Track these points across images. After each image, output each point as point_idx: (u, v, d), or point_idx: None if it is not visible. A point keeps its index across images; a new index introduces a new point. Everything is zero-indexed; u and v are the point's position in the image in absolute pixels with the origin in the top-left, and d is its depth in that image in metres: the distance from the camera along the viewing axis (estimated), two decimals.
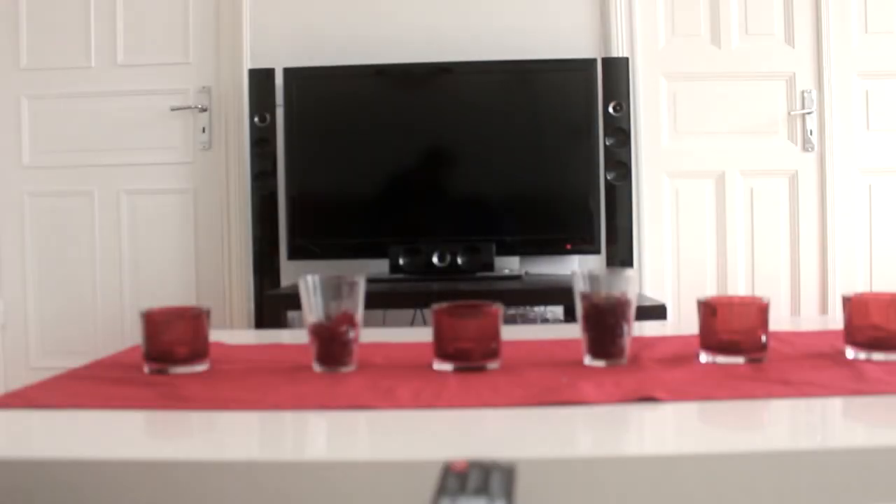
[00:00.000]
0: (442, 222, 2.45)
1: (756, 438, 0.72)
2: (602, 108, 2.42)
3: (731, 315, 0.96)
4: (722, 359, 0.93)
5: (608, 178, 2.44)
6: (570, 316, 2.44)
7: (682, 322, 2.39)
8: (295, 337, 1.25)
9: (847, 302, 0.95)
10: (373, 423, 0.75)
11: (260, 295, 2.44)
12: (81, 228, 2.71)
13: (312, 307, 0.94)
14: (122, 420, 0.78)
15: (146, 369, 0.95)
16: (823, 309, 2.62)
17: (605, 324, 0.93)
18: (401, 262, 2.36)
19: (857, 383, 0.82)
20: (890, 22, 2.63)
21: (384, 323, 2.46)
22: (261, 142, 2.45)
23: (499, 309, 0.94)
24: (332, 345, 0.93)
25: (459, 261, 2.36)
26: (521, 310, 2.49)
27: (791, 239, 2.65)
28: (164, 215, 2.70)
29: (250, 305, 2.61)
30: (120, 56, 2.70)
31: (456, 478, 0.52)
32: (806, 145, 2.64)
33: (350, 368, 0.94)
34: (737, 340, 0.93)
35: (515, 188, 2.44)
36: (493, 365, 0.93)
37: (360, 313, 0.95)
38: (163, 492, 0.62)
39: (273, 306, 2.20)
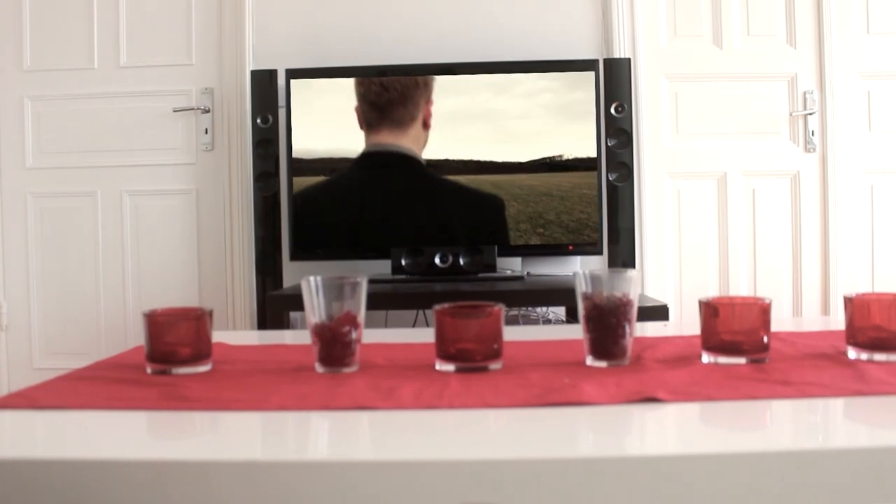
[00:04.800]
0: (444, 223, 2.45)
1: (758, 439, 0.72)
2: (604, 109, 2.42)
3: (732, 316, 0.96)
4: (724, 359, 0.93)
5: (610, 178, 2.44)
6: (572, 316, 2.44)
7: (684, 323, 2.39)
8: (297, 337, 1.25)
9: (849, 302, 0.95)
10: (375, 423, 0.75)
11: (262, 296, 2.44)
12: (84, 229, 2.72)
13: (315, 308, 0.94)
14: (125, 420, 0.78)
15: (149, 370, 0.95)
16: (825, 310, 2.62)
17: (607, 324, 0.93)
18: (403, 262, 2.37)
19: (858, 384, 0.82)
20: (892, 22, 2.63)
21: (386, 324, 2.46)
22: (263, 143, 2.46)
23: (501, 309, 0.94)
24: (334, 345, 0.93)
25: (461, 261, 2.37)
26: (523, 310, 2.49)
27: (793, 239, 2.65)
28: (167, 216, 2.71)
29: (253, 306, 2.62)
30: (123, 58, 2.70)
31: None
32: (808, 146, 2.64)
33: (352, 369, 0.94)
34: (739, 341, 0.93)
35: (517, 189, 2.44)
36: (494, 365, 0.93)
37: (362, 314, 0.95)
38: (166, 492, 0.63)
39: (275, 307, 2.20)
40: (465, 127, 2.45)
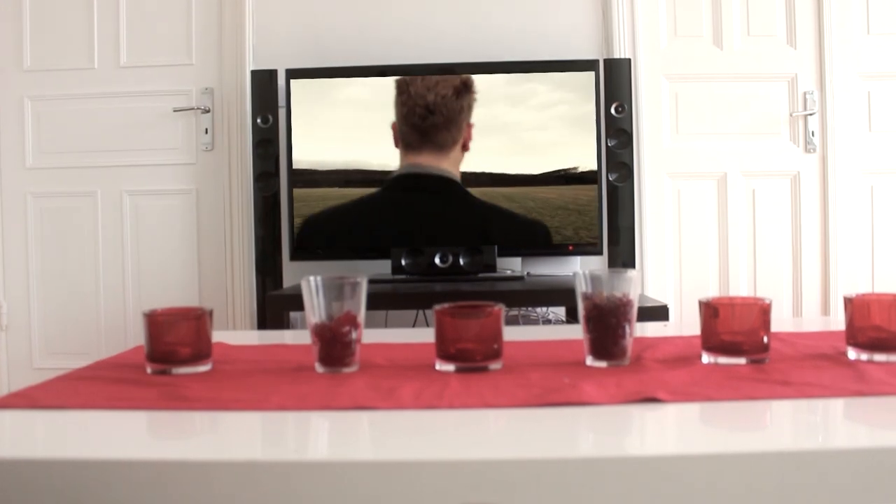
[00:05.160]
0: (444, 223, 2.45)
1: (758, 439, 0.72)
2: (604, 109, 2.42)
3: (732, 316, 0.96)
4: (724, 359, 0.93)
5: (610, 178, 2.44)
6: (572, 317, 2.44)
7: (684, 323, 2.39)
8: (297, 337, 1.25)
9: (849, 303, 0.95)
10: (375, 423, 0.75)
11: (262, 295, 2.44)
12: (84, 229, 2.71)
13: (315, 308, 0.94)
14: (124, 420, 0.78)
15: (149, 370, 0.95)
16: (825, 310, 2.62)
17: (607, 324, 0.93)
18: (403, 262, 2.36)
19: (858, 384, 0.82)
20: (892, 23, 2.63)
21: (386, 324, 2.46)
22: (263, 143, 2.46)
23: (501, 309, 0.94)
24: (334, 345, 0.93)
25: (461, 261, 2.37)
26: (523, 310, 2.49)
27: (793, 240, 2.65)
28: (167, 216, 2.71)
29: (253, 306, 2.62)
30: (123, 57, 2.70)
31: None
32: (808, 146, 2.64)
33: (352, 369, 0.94)
34: (739, 341, 0.93)
35: (518, 188, 2.44)
36: (495, 365, 0.93)
37: (362, 314, 0.95)
38: (165, 492, 0.63)
39: (275, 307, 2.20)
40: (481, 139, 2.42)
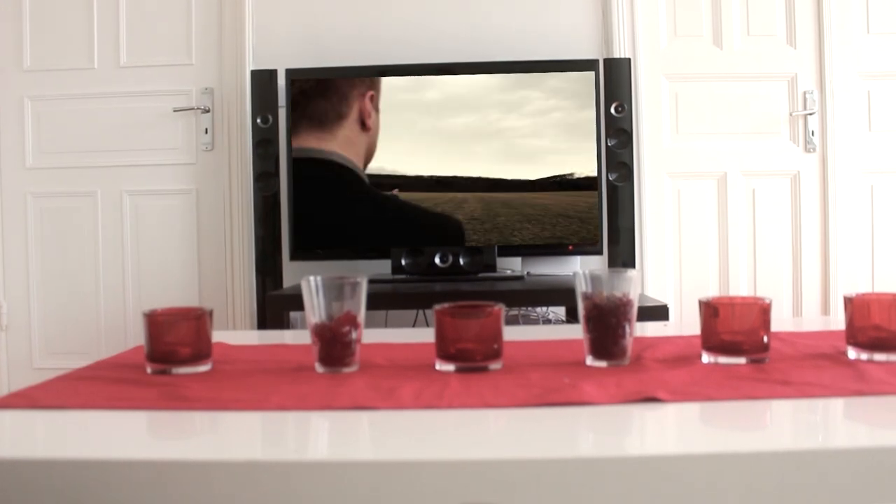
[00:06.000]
0: (444, 222, 2.45)
1: (758, 439, 0.72)
2: (604, 109, 2.42)
3: (732, 316, 0.96)
4: (724, 359, 0.93)
5: (610, 178, 2.44)
6: (572, 316, 2.44)
7: (684, 322, 2.39)
8: (297, 337, 1.25)
9: (849, 302, 0.95)
10: (375, 423, 0.75)
11: (262, 295, 2.44)
12: (84, 229, 2.71)
13: (315, 308, 0.94)
14: (124, 420, 0.78)
15: (149, 370, 0.95)
16: (825, 309, 2.62)
17: (607, 324, 0.93)
18: (403, 262, 2.37)
19: (858, 384, 0.82)
20: (892, 22, 2.63)
21: (386, 324, 2.46)
22: (263, 143, 2.46)
23: (501, 309, 0.94)
24: (334, 345, 0.93)
25: (461, 261, 2.37)
26: (523, 310, 2.49)
27: (793, 239, 2.65)
28: (167, 216, 2.71)
29: (253, 306, 2.62)
30: (123, 57, 2.70)
31: None
32: (808, 146, 2.64)
33: (352, 369, 0.94)
34: (739, 341, 0.93)
35: (517, 188, 2.44)
36: (495, 365, 0.93)
37: (362, 314, 0.95)
38: (165, 492, 0.63)
39: (275, 307, 2.20)
40: (474, 145, 2.41)
